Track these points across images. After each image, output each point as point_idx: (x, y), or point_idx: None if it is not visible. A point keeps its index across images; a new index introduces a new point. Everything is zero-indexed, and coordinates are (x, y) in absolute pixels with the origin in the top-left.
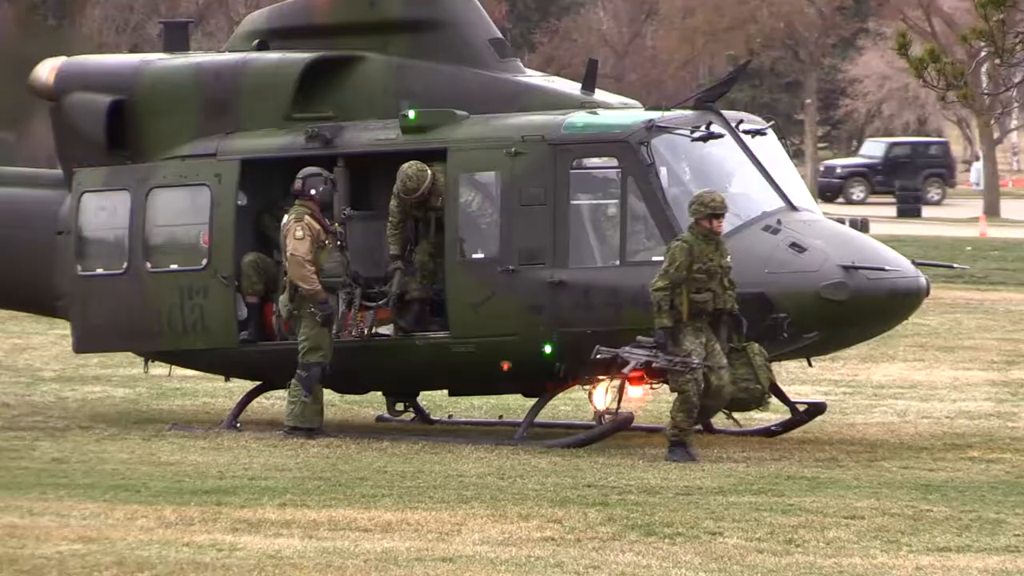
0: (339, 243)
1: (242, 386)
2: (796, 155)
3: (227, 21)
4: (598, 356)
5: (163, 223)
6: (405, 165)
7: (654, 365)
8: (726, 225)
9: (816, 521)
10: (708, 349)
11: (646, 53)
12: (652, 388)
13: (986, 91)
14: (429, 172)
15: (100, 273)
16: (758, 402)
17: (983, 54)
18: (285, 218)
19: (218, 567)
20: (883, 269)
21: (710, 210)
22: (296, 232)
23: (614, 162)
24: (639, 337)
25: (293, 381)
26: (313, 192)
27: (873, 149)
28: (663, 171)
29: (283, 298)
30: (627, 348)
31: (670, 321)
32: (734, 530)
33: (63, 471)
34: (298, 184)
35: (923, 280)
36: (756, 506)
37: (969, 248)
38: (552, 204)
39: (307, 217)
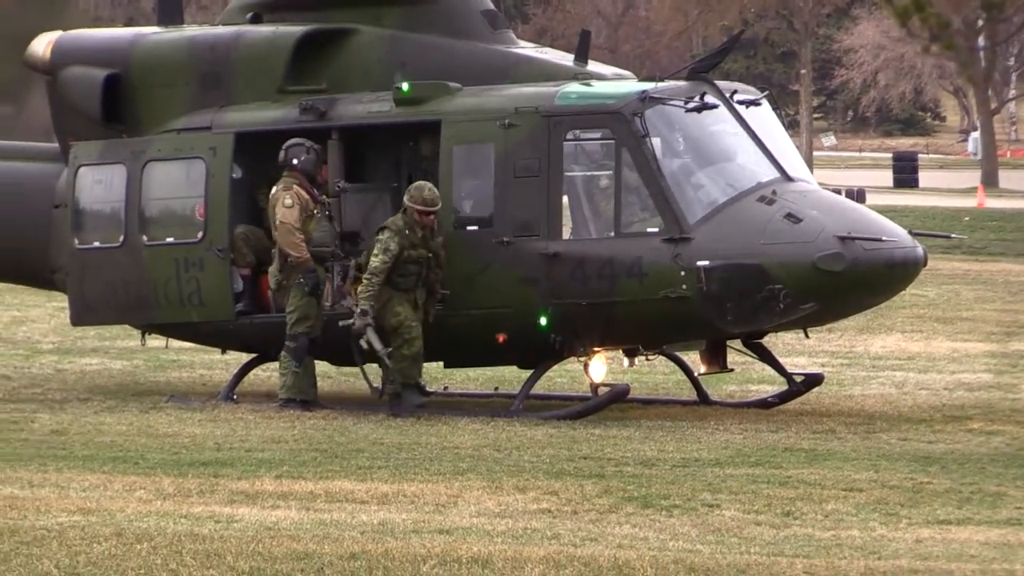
0: (327, 213)
1: (238, 358)
2: (791, 125)
3: None
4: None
5: (159, 196)
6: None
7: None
8: (721, 195)
9: (814, 493)
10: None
11: (639, 24)
12: (648, 359)
13: (982, 47)
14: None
15: (97, 246)
16: None
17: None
18: (274, 189)
19: (216, 538)
20: (880, 239)
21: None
22: (285, 200)
23: (608, 133)
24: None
25: (283, 353)
26: (295, 162)
27: None
28: (657, 142)
29: (272, 268)
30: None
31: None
32: (731, 502)
33: (62, 443)
34: (281, 155)
35: (920, 250)
36: (754, 478)
37: (967, 218)
38: (546, 176)
39: (295, 187)
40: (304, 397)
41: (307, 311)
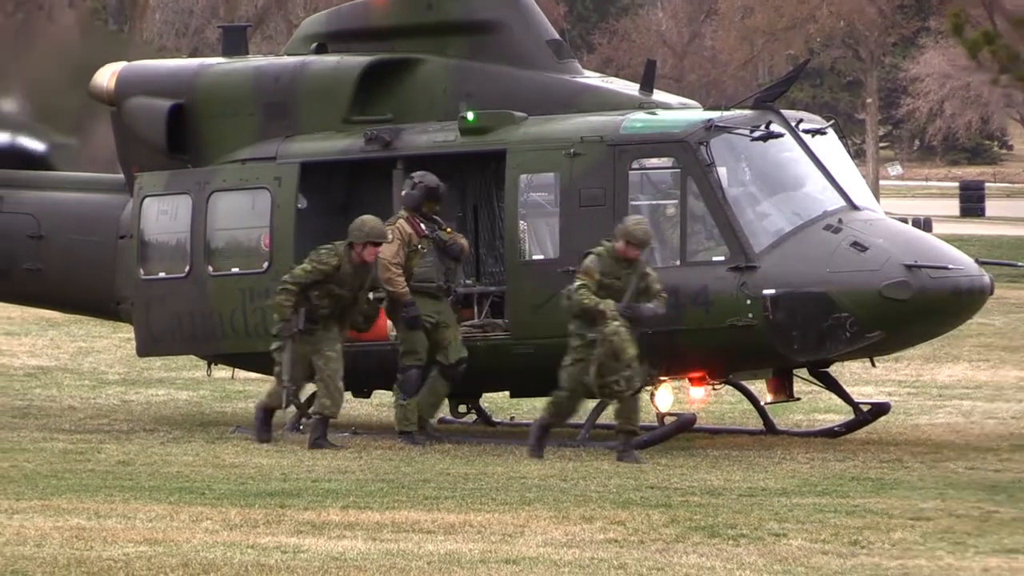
0: (437, 247)
1: (304, 389)
2: (857, 154)
3: (286, 24)
4: None
5: (224, 227)
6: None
7: None
8: (787, 223)
9: (881, 522)
10: None
11: (705, 53)
12: (714, 389)
13: None
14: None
15: (162, 277)
16: None
17: None
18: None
19: (282, 569)
20: (946, 268)
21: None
22: (387, 235)
23: (673, 162)
24: None
25: (395, 386)
26: (403, 195)
27: None
28: (722, 171)
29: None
30: None
31: None
32: (798, 531)
33: (128, 473)
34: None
35: (987, 279)
36: (820, 507)
37: None
38: (611, 205)
39: (400, 221)
40: (411, 429)
41: (413, 345)
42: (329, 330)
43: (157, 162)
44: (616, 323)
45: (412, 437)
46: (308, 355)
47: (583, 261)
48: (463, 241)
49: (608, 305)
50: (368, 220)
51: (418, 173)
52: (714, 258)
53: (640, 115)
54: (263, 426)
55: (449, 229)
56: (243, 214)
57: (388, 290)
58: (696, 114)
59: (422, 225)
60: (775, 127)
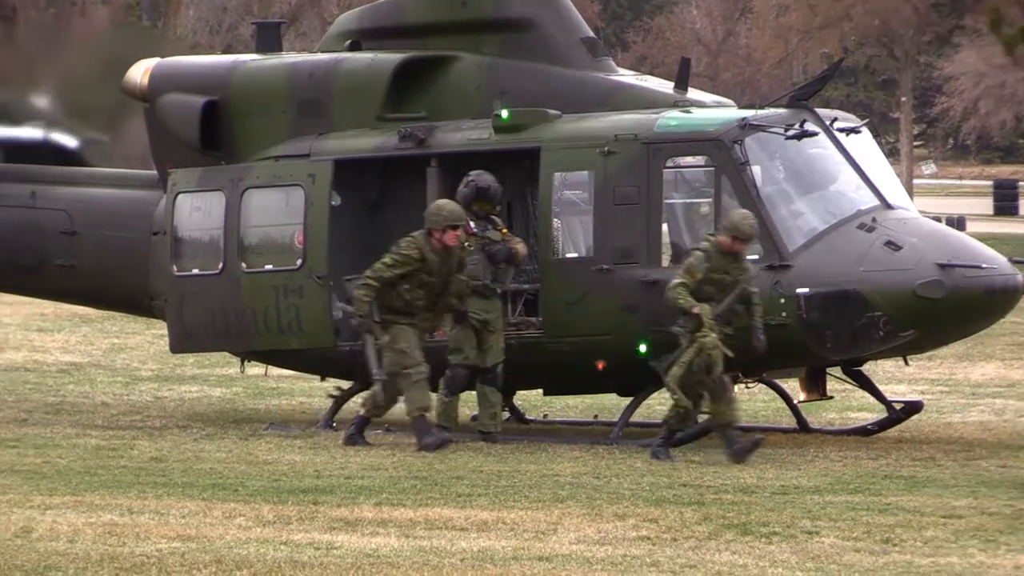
0: (483, 247)
1: (338, 386)
2: (891, 153)
3: (320, 21)
4: None
5: (257, 223)
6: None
7: None
8: (821, 222)
9: (913, 520)
10: None
11: (740, 51)
12: (748, 387)
13: None
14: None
15: (196, 273)
16: None
17: None
18: None
19: (315, 566)
20: (979, 267)
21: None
22: (464, 217)
23: (708, 160)
24: None
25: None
26: (457, 192)
27: None
28: (756, 169)
29: None
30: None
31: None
32: (831, 529)
33: (161, 470)
34: None
35: (1020, 278)
36: (853, 505)
37: None
38: (645, 203)
39: None
40: (444, 423)
41: (459, 342)
42: (420, 325)
43: (190, 158)
44: (713, 334)
45: (447, 433)
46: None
47: (688, 258)
48: (518, 245)
49: (704, 310)
50: (445, 204)
51: (474, 172)
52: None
53: (674, 113)
54: (358, 433)
55: (505, 231)
56: (277, 211)
57: None
58: (730, 112)
59: (471, 224)
60: (809, 126)
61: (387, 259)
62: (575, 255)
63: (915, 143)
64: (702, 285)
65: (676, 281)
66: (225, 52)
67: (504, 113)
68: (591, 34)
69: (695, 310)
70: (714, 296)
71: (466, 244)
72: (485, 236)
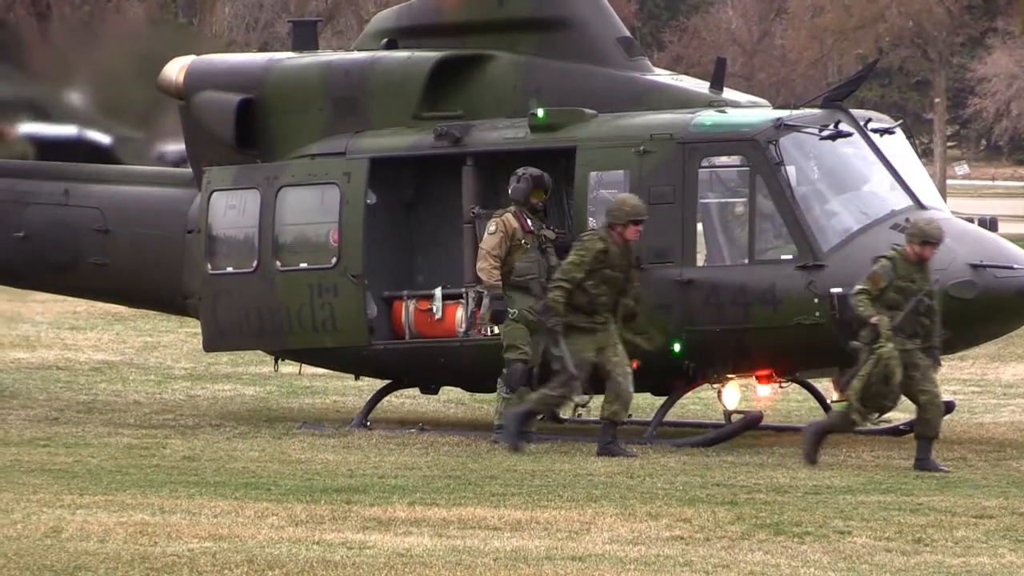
0: (540, 245)
1: (372, 384)
2: (925, 154)
3: (356, 20)
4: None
5: (292, 222)
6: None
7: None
8: (854, 223)
9: (945, 520)
10: None
11: (775, 52)
12: (781, 387)
13: None
14: None
15: (230, 272)
16: None
17: None
18: None
19: (348, 565)
20: (1012, 267)
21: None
22: (489, 227)
23: (743, 160)
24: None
25: (499, 379)
26: (511, 189)
27: None
28: (791, 170)
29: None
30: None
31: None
32: (863, 529)
33: (194, 469)
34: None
35: None
36: (885, 505)
37: None
38: (680, 203)
39: (507, 214)
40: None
41: (514, 339)
42: (609, 325)
43: (225, 156)
44: (891, 345)
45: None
46: (588, 350)
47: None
48: None
49: (883, 322)
50: (628, 199)
51: (521, 168)
52: (782, 257)
53: (710, 113)
54: (613, 442)
55: (555, 230)
56: (312, 209)
57: (482, 278)
58: (766, 113)
59: (528, 221)
60: (844, 126)
61: (573, 258)
62: None
63: (948, 144)
64: (887, 293)
65: (857, 288)
66: (261, 50)
67: (540, 112)
68: (627, 33)
69: (873, 320)
70: (900, 305)
71: (523, 242)
72: (541, 233)
